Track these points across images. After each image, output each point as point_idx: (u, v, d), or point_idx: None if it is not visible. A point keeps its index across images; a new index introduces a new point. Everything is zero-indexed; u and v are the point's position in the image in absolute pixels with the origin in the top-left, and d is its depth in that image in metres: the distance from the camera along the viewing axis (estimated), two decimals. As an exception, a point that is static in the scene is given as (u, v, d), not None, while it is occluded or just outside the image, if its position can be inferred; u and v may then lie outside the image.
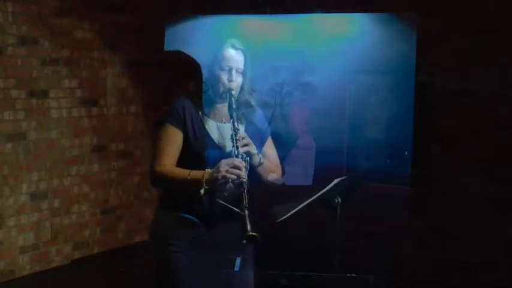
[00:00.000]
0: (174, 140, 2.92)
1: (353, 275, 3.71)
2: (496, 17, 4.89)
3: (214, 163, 2.84)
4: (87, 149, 5.80)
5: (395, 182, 4.60)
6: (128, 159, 6.11)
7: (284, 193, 4.65)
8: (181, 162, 2.92)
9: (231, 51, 2.99)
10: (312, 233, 4.47)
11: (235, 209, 2.78)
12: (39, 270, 5.41)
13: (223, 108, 3.00)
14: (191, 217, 2.91)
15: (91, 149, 5.83)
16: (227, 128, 2.96)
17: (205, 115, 2.98)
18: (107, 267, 5.63)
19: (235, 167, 2.79)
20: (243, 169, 2.81)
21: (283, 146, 4.71)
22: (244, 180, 2.80)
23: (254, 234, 2.70)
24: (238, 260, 2.97)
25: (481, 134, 4.98)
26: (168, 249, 2.92)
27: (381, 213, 5.10)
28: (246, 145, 2.91)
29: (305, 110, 4.75)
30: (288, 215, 3.64)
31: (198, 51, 3.28)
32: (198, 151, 2.91)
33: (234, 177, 2.78)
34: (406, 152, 4.42)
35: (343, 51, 4.59)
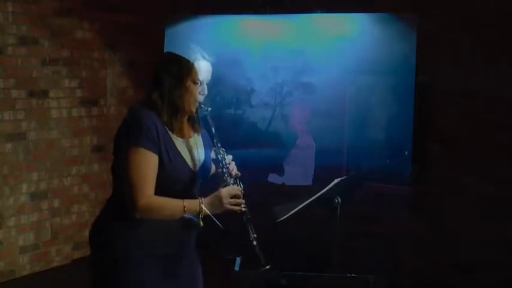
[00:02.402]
0: (152, 166, 2.58)
1: (353, 275, 3.70)
2: (496, 17, 4.89)
3: (187, 186, 2.66)
4: (87, 149, 5.80)
5: (395, 182, 4.61)
6: (127, 159, 6.10)
7: (284, 193, 4.66)
8: (155, 188, 2.61)
9: (203, 63, 2.79)
10: (312, 233, 4.46)
11: (218, 223, 2.65)
12: (39, 270, 5.41)
13: (185, 122, 2.75)
14: (192, 217, 2.73)
15: (91, 149, 5.83)
16: (192, 144, 2.75)
17: (172, 131, 2.69)
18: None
19: (236, 196, 2.62)
20: (242, 196, 2.64)
21: (283, 146, 4.73)
22: (246, 209, 2.63)
23: (268, 267, 2.58)
24: (238, 260, 2.95)
25: (481, 134, 4.97)
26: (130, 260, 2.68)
27: (381, 213, 5.10)
28: (233, 168, 2.73)
29: (305, 110, 4.75)
30: (288, 215, 3.64)
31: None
32: (174, 174, 2.64)
33: (238, 208, 2.61)
34: (406, 152, 4.43)
35: (343, 51, 4.60)
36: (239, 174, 2.74)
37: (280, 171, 4.70)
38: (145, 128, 2.58)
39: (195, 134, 2.80)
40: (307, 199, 3.63)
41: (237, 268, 2.93)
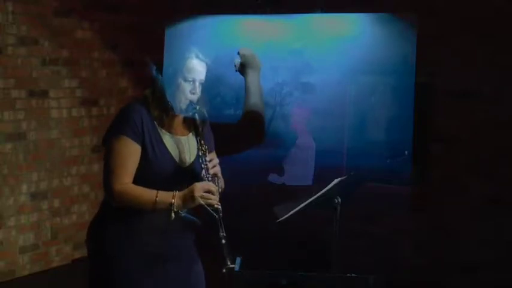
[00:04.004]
0: (132, 155, 2.66)
1: (353, 275, 3.70)
2: (496, 17, 4.89)
3: (171, 181, 2.68)
4: (87, 149, 5.80)
5: (395, 181, 4.60)
6: (128, 159, 6.10)
7: (284, 193, 4.66)
8: (138, 181, 2.68)
9: (196, 62, 2.81)
10: (312, 233, 4.46)
11: (195, 219, 2.69)
12: (39, 270, 5.40)
13: (179, 120, 2.82)
14: (192, 217, 2.79)
15: (91, 149, 5.83)
16: (182, 142, 2.80)
17: (161, 127, 2.76)
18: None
19: (210, 191, 2.64)
20: (217, 194, 2.65)
21: (283, 146, 4.72)
22: (219, 206, 2.64)
23: (233, 266, 2.59)
24: (238, 260, 2.95)
25: (481, 134, 4.98)
26: (122, 260, 2.71)
27: (381, 213, 5.10)
28: (214, 166, 2.75)
29: (305, 110, 4.75)
30: (288, 215, 3.64)
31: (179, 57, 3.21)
32: (157, 167, 2.70)
33: (210, 202, 2.62)
34: (406, 152, 4.42)
35: (343, 51, 4.59)
36: (217, 172, 2.75)
37: (280, 171, 4.70)
38: (129, 118, 2.69)
39: (190, 134, 2.83)
40: (307, 199, 3.63)
41: (237, 268, 2.93)
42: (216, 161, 2.79)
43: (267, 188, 4.71)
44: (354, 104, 4.73)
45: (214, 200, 2.63)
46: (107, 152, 2.71)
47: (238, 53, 3.08)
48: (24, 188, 5.29)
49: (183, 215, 2.67)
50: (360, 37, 4.58)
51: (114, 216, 2.74)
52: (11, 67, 5.14)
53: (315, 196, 3.61)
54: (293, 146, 4.74)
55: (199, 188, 2.63)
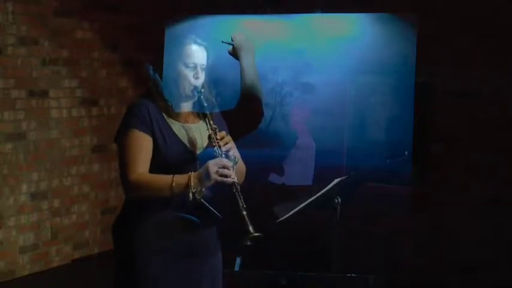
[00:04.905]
0: (144, 146, 2.70)
1: (353, 275, 3.70)
2: (496, 17, 4.89)
3: (185, 168, 2.69)
4: (87, 149, 5.80)
5: (395, 182, 4.60)
6: (128, 159, 6.10)
7: (284, 193, 4.66)
8: (151, 170, 2.71)
9: (194, 47, 2.84)
10: (312, 233, 4.46)
11: (217, 213, 2.70)
12: (39, 270, 5.41)
13: (186, 107, 2.84)
14: (190, 216, 2.77)
15: (91, 149, 5.83)
16: (192, 129, 2.82)
17: (169, 117, 2.80)
18: (107, 267, 5.62)
19: (224, 166, 2.64)
20: (231, 168, 2.67)
21: (283, 146, 4.72)
22: (235, 180, 2.66)
23: (258, 234, 2.59)
24: (238, 260, 2.95)
25: (481, 134, 4.98)
26: (150, 254, 2.73)
27: (381, 213, 5.10)
28: (227, 143, 2.76)
29: (305, 110, 4.75)
30: (288, 215, 3.64)
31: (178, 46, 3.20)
32: (170, 157, 2.73)
33: (225, 178, 2.63)
34: (406, 152, 4.42)
35: (343, 51, 4.59)
36: (230, 147, 2.76)
37: (280, 171, 4.70)
38: (136, 111, 2.74)
39: (200, 121, 2.85)
40: (307, 199, 3.63)
41: (237, 268, 2.93)
42: (228, 138, 2.79)
43: (267, 188, 4.71)
44: (354, 104, 4.73)
45: (229, 174, 2.64)
46: (119, 148, 2.76)
47: (231, 38, 3.13)
48: (24, 188, 5.29)
49: (200, 199, 2.66)
50: (360, 37, 4.58)
51: (137, 211, 2.76)
52: (11, 67, 5.14)
53: (315, 196, 3.60)
54: (293, 146, 4.74)
55: (212, 164, 2.64)
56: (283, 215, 3.64)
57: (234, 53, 3.06)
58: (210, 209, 2.70)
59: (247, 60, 3.07)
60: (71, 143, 5.66)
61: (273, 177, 4.74)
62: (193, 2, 5.66)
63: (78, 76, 5.69)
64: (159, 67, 2.87)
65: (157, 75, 2.82)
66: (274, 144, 4.51)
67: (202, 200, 2.66)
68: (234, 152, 2.79)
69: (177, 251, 2.76)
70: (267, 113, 4.68)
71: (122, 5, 5.93)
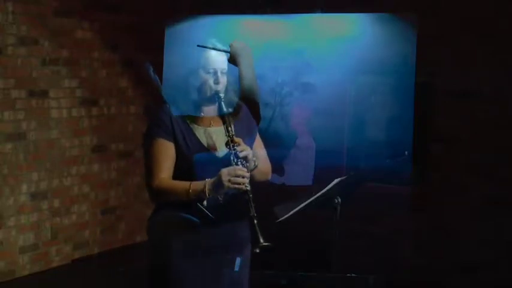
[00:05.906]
0: (166, 153, 2.80)
1: (353, 275, 3.71)
2: (496, 17, 4.89)
3: (209, 171, 2.75)
4: (87, 149, 5.80)
5: (395, 181, 4.60)
6: (127, 159, 6.10)
7: (284, 193, 4.66)
8: (176, 174, 2.82)
9: (215, 53, 2.89)
10: (312, 233, 4.46)
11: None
12: (39, 270, 5.41)
13: (209, 112, 2.89)
14: (192, 217, 2.83)
15: (91, 149, 5.83)
16: (216, 133, 2.87)
17: (192, 122, 2.87)
18: (107, 267, 5.63)
19: (238, 175, 2.70)
20: (246, 176, 2.73)
21: (283, 146, 4.73)
22: (248, 188, 2.72)
23: (267, 244, 2.65)
24: (238, 260, 2.96)
25: (481, 134, 4.98)
26: (168, 251, 2.84)
27: (381, 213, 5.10)
28: (243, 150, 2.80)
29: (305, 110, 4.75)
30: (288, 215, 3.64)
31: (197, 51, 3.23)
32: (192, 161, 2.81)
33: (238, 186, 2.69)
34: (406, 152, 4.42)
35: (343, 51, 4.59)
36: (246, 155, 2.79)
37: (280, 171, 4.70)
38: (157, 119, 2.83)
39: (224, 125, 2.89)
40: (307, 199, 3.63)
41: (237, 268, 2.94)
42: (244, 145, 2.83)
43: (267, 188, 4.71)
44: (354, 104, 4.74)
45: (242, 183, 2.70)
46: (144, 154, 2.88)
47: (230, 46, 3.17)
48: (24, 188, 5.29)
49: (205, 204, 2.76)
50: (360, 37, 4.58)
51: (166, 211, 2.86)
52: (11, 67, 5.14)
53: (315, 196, 3.60)
54: (293, 146, 4.74)
55: (225, 173, 2.71)
56: (283, 215, 3.64)
57: (232, 61, 3.10)
58: (206, 212, 2.76)
59: (244, 65, 3.12)
60: (71, 143, 5.65)
61: (273, 177, 4.74)
62: (193, 2, 5.66)
63: (78, 76, 5.69)
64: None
65: (157, 77, 2.85)
66: (274, 144, 4.51)
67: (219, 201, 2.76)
68: (253, 156, 2.84)
69: (205, 246, 2.83)
70: (267, 113, 4.69)
71: (122, 5, 5.93)
